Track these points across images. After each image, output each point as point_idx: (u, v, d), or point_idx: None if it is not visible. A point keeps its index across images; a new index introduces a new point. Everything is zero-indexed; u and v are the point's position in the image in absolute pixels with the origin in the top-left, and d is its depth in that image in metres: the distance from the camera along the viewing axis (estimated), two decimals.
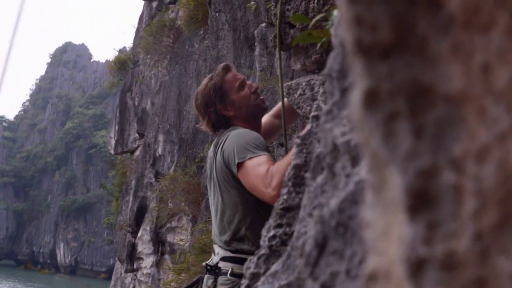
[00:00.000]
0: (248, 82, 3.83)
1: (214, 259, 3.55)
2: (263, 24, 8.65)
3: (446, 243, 0.46)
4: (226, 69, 3.78)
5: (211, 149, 3.72)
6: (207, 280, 3.52)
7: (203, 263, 3.73)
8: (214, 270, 3.49)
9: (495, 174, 0.45)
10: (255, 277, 1.84)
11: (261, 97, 3.80)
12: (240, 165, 3.33)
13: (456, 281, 0.45)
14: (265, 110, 3.82)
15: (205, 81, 3.77)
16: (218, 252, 3.53)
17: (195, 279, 3.73)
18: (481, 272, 0.45)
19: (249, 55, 10.10)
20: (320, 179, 1.12)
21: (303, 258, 1.06)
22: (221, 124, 3.68)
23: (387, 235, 0.50)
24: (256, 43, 9.07)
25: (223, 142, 3.52)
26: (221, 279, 3.43)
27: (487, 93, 0.45)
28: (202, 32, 13.77)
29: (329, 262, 0.92)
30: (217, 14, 11.76)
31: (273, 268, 1.42)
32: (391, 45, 0.48)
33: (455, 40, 0.46)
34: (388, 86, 0.48)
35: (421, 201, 0.47)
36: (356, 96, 0.52)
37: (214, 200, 3.63)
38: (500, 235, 0.45)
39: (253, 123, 3.70)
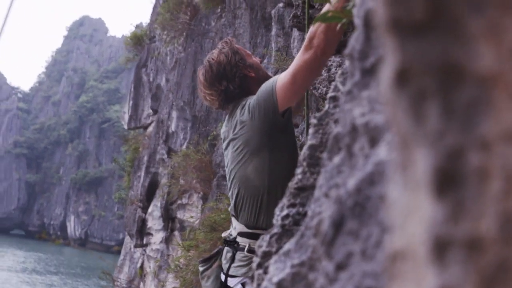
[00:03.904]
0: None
1: (232, 233, 3.55)
2: (281, 4, 8.61)
3: (470, 223, 0.46)
4: (230, 41, 3.83)
5: (226, 126, 3.71)
6: (226, 253, 3.53)
7: (222, 235, 3.72)
8: (233, 245, 3.49)
9: None
10: (266, 255, 1.84)
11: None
12: (276, 91, 3.31)
13: (480, 262, 0.45)
14: None
15: (214, 53, 3.75)
16: (236, 227, 3.52)
17: (215, 250, 3.74)
18: (505, 254, 0.45)
19: (266, 35, 10.07)
20: (337, 159, 1.12)
21: (317, 238, 1.06)
22: (244, 87, 3.66)
23: (411, 214, 0.50)
24: (272, 23, 9.04)
25: (247, 104, 3.51)
26: (239, 254, 3.43)
27: None
28: (219, 10, 13.74)
29: (345, 242, 0.92)
30: None
31: (286, 247, 1.42)
32: (424, 22, 0.47)
33: (488, 20, 0.45)
34: (419, 64, 0.48)
35: (447, 181, 0.47)
36: (386, 74, 0.52)
37: (232, 172, 3.59)
38: None
39: None
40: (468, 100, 0.46)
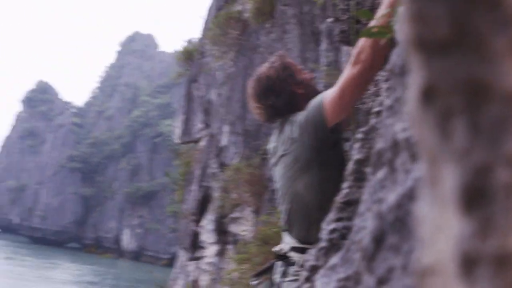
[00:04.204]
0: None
1: (284, 248, 3.54)
2: (330, 19, 8.60)
3: (498, 240, 0.46)
4: (282, 55, 3.83)
5: (275, 141, 3.71)
6: (278, 267, 3.52)
7: (273, 249, 3.71)
8: (285, 259, 3.49)
9: None
10: (314, 269, 1.84)
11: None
12: (324, 106, 3.31)
13: (508, 278, 0.46)
14: None
15: (265, 67, 3.75)
16: (287, 241, 3.52)
17: (267, 265, 3.73)
18: None
19: (315, 49, 10.06)
20: (380, 174, 1.12)
21: (360, 253, 1.07)
22: (292, 103, 3.63)
23: (440, 231, 0.51)
24: (322, 38, 9.02)
25: (296, 120, 3.49)
26: (291, 269, 3.42)
27: None
28: (268, 25, 13.76)
29: (386, 257, 0.92)
30: (284, 8, 11.74)
31: (332, 261, 1.43)
32: (449, 41, 0.48)
33: None
34: (445, 83, 0.48)
35: (474, 197, 0.47)
36: (413, 92, 0.52)
37: (283, 188, 3.59)
38: None
39: None
40: (495, 117, 0.47)
